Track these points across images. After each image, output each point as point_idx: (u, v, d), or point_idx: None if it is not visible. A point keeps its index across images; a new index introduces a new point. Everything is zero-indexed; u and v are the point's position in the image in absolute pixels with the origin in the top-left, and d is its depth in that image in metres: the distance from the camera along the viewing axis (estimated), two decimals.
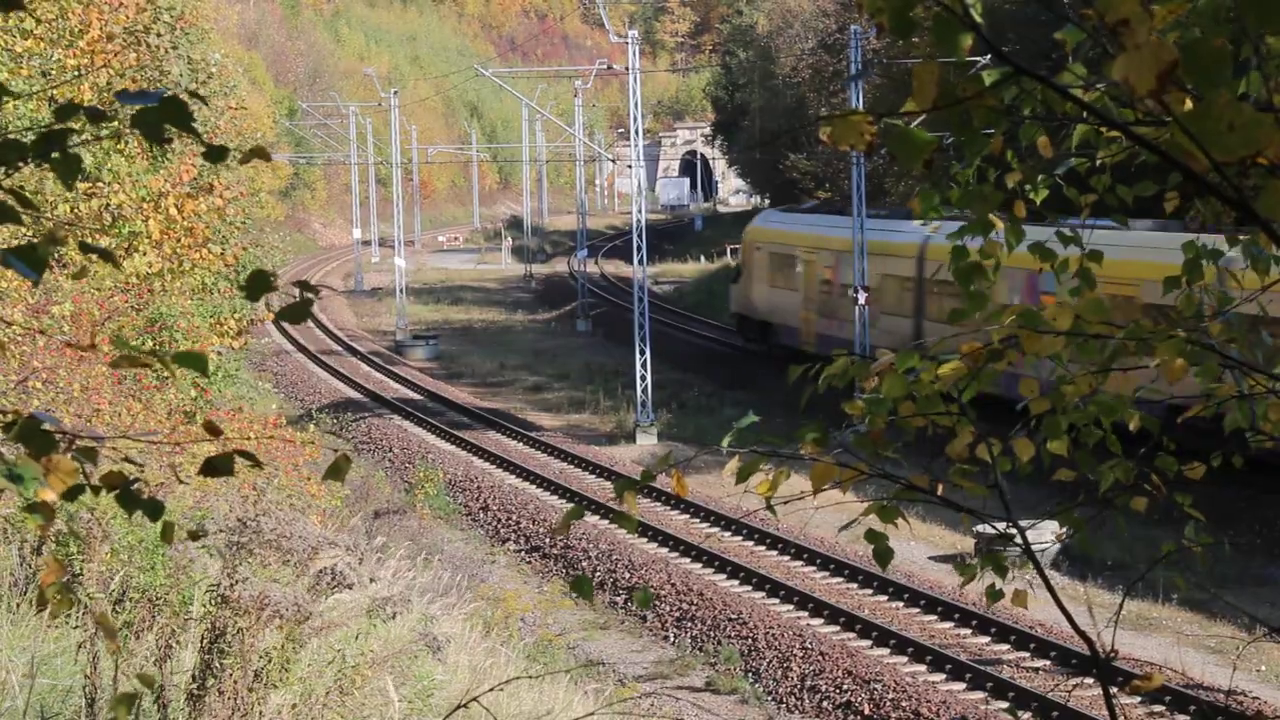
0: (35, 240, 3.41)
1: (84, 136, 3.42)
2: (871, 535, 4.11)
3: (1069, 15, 3.42)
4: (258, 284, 3.60)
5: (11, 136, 3.38)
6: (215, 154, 3.51)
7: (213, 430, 3.88)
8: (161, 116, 3.25)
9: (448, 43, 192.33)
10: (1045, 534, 28.60)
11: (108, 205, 23.53)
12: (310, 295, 3.64)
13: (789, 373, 4.41)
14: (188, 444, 11.80)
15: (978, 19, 3.20)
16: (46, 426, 3.54)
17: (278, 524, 9.94)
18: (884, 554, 4.13)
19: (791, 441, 4.03)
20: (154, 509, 3.68)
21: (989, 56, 3.47)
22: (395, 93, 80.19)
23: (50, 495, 3.59)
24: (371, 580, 12.54)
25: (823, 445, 4.03)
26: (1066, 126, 3.96)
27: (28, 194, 3.44)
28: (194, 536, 4.09)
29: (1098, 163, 4.16)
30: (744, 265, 57.22)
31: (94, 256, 3.59)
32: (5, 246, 3.42)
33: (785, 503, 4.09)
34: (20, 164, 3.34)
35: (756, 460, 4.06)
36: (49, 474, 3.52)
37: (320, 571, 10.46)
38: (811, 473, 4.00)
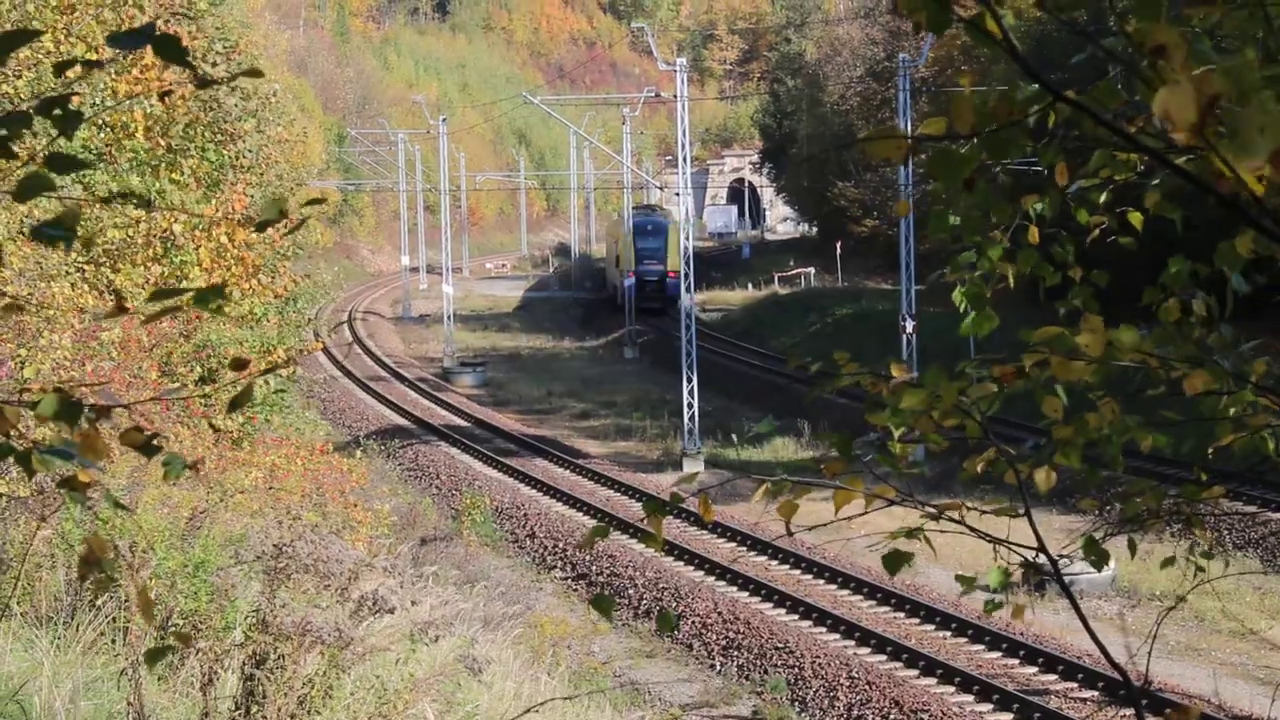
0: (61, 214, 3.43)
1: (135, 158, 3.45)
2: (891, 559, 4.10)
3: (1093, 39, 3.42)
4: (270, 214, 3.62)
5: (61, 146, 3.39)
6: (204, 83, 3.56)
7: (239, 365, 3.90)
8: (157, 52, 3.26)
9: (496, 70, 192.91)
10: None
11: (159, 233, 23.67)
12: (319, 203, 3.67)
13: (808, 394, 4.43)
14: (214, 399, 11.85)
15: (1016, 45, 3.21)
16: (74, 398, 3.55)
17: (315, 548, 9.96)
18: (895, 561, 4.12)
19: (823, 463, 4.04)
20: (149, 449, 3.70)
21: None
22: (444, 120, 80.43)
23: (89, 476, 3.61)
24: (413, 604, 12.55)
25: (847, 456, 4.02)
26: (1084, 150, 3.96)
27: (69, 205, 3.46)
28: (194, 468, 4.07)
29: (1101, 180, 4.15)
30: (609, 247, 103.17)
31: (117, 207, 3.63)
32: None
33: (810, 529, 4.09)
34: (26, 130, 3.36)
35: (785, 483, 4.06)
36: (82, 446, 3.54)
37: (362, 597, 10.47)
38: (835, 495, 3.99)
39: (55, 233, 3.39)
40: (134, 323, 22.10)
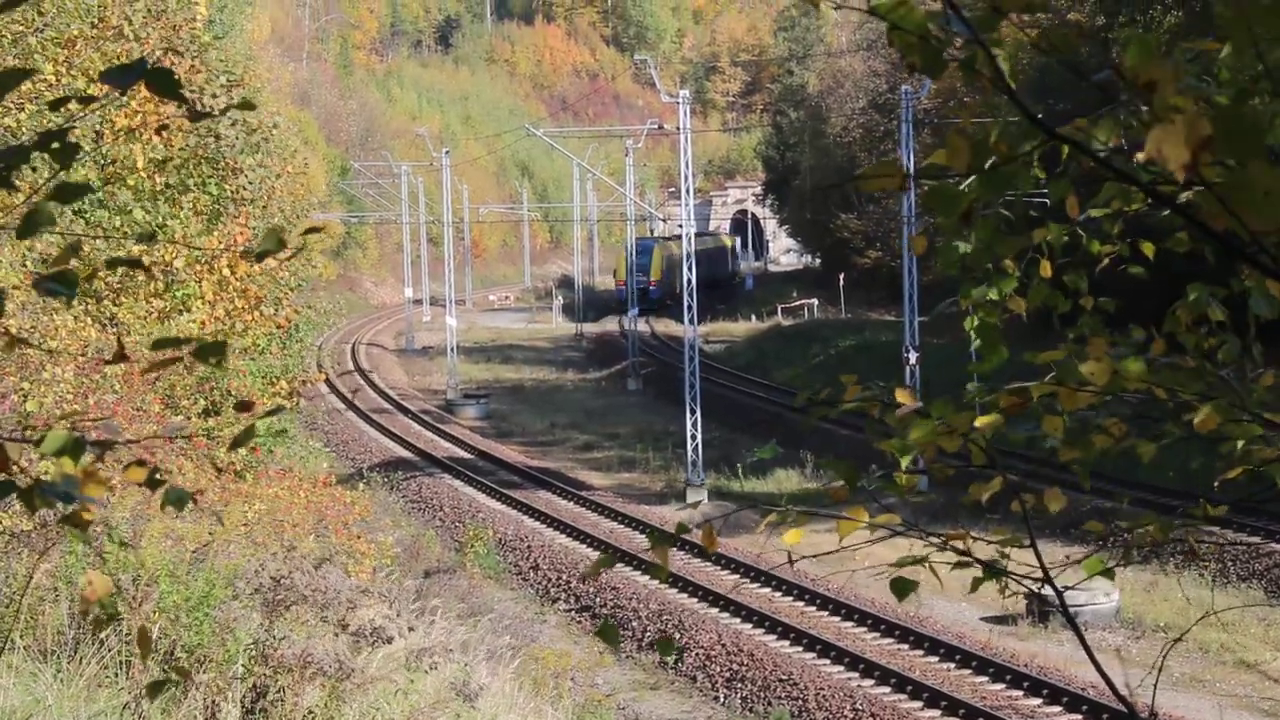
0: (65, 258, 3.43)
1: (138, 192, 3.45)
2: (899, 584, 4.07)
3: (1091, 78, 3.40)
4: (268, 244, 3.61)
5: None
6: (197, 115, 3.56)
7: (244, 407, 3.91)
8: (150, 87, 3.26)
9: (499, 102, 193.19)
10: (1098, 595, 28.43)
11: (162, 267, 23.65)
12: (317, 230, 3.70)
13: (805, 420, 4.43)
14: (219, 436, 11.84)
15: (1011, 83, 3.19)
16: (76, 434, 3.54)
17: (311, 579, 9.94)
18: (903, 587, 4.10)
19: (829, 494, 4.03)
20: (153, 483, 3.70)
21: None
22: (447, 152, 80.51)
23: (91, 513, 3.60)
24: (410, 629, 12.51)
25: (853, 485, 4.00)
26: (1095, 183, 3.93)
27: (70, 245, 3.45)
28: (193, 499, 4.07)
29: (1113, 211, 4.13)
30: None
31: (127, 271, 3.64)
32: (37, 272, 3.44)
33: (815, 557, 4.07)
34: (24, 164, 3.35)
35: (789, 514, 4.05)
36: (84, 483, 3.52)
37: (360, 628, 10.45)
38: (839, 525, 3.98)
39: (57, 288, 3.39)
40: (137, 354, 22.07)
